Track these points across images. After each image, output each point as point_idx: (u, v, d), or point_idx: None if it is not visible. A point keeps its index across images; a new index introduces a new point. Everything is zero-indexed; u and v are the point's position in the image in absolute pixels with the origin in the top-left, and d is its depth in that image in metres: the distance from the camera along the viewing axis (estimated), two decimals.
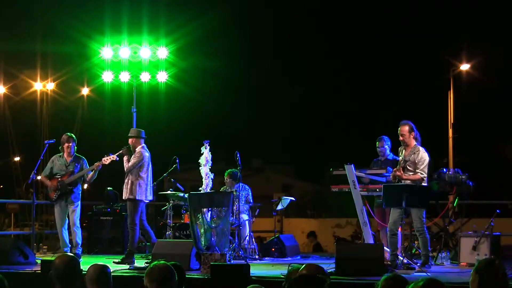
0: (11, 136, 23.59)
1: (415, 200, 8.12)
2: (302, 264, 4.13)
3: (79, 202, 9.76)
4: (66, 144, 9.80)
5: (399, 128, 8.56)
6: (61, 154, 9.88)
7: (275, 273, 7.48)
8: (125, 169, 9.51)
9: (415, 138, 8.53)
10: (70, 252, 9.54)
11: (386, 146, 9.52)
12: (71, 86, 21.03)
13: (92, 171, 9.75)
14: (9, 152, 23.98)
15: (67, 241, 9.69)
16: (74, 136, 9.96)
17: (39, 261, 8.39)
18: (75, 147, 9.87)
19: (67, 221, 9.71)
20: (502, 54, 19.53)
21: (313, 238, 14.87)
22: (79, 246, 9.68)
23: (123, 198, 9.70)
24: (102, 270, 4.28)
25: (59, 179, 9.69)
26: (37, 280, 7.69)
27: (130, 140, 9.66)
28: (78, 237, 9.66)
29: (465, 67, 18.31)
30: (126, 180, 9.55)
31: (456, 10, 21.03)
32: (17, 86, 21.72)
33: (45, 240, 12.77)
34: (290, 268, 4.31)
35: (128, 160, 9.49)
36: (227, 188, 10.59)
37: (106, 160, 9.68)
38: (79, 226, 9.74)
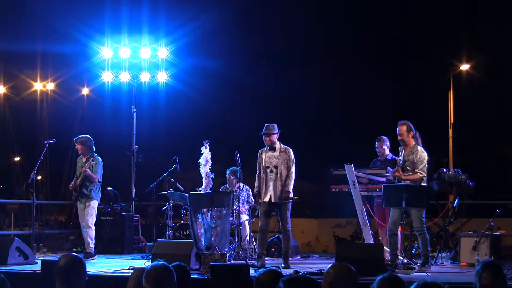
0: (11, 136, 23.60)
1: (415, 200, 8.12)
2: (276, 267, 4.12)
3: (93, 202, 10.03)
4: (76, 146, 10.24)
5: (397, 128, 8.58)
6: (81, 155, 10.30)
7: None
8: (286, 171, 8.84)
9: (414, 138, 8.53)
10: (84, 251, 9.80)
11: (385, 147, 9.52)
12: (71, 86, 21.04)
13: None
14: (9, 152, 23.98)
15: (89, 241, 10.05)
16: (82, 137, 10.25)
17: (39, 261, 8.38)
18: (88, 147, 10.15)
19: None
20: (502, 54, 19.52)
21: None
22: (90, 246, 9.93)
23: (273, 201, 8.82)
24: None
25: (76, 180, 10.11)
26: (37, 280, 7.68)
27: (273, 137, 8.87)
28: (89, 237, 9.95)
29: (465, 67, 18.31)
30: (276, 183, 8.82)
31: (456, 10, 21.03)
32: (17, 86, 21.73)
33: (45, 240, 12.76)
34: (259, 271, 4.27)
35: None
36: (229, 186, 10.59)
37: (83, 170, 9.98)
38: (89, 226, 9.97)
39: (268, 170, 8.86)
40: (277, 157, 8.84)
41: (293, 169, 8.86)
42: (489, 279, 3.90)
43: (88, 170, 9.92)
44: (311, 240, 14.95)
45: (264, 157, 8.92)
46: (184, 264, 4.36)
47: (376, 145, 9.58)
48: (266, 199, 8.86)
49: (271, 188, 8.82)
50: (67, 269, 4.23)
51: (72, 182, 10.22)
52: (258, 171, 9.01)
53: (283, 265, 8.66)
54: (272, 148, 8.88)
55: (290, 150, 8.92)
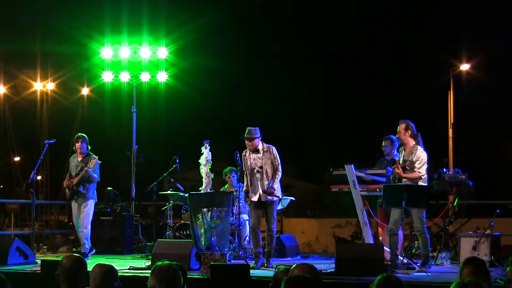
0: (11, 136, 23.58)
1: (415, 200, 8.12)
2: (291, 265, 4.11)
3: (90, 201, 10.00)
4: (76, 145, 10.10)
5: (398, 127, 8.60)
6: (75, 154, 10.19)
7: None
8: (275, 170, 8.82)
9: (414, 138, 8.52)
10: (79, 252, 9.77)
11: (392, 146, 9.49)
12: (71, 86, 21.03)
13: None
14: (9, 152, 23.97)
15: (84, 241, 9.98)
16: (83, 135, 10.18)
17: (39, 261, 8.39)
18: (87, 146, 10.09)
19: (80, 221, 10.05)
20: (502, 54, 19.52)
21: None
22: (86, 247, 9.91)
23: (262, 200, 8.77)
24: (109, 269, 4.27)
25: (71, 180, 10.00)
26: (37, 280, 7.68)
27: (254, 142, 8.78)
28: (85, 238, 9.92)
29: (465, 67, 18.31)
30: (263, 183, 8.76)
31: (456, 10, 21.03)
32: (17, 86, 21.71)
33: (45, 240, 12.77)
34: (277, 269, 4.30)
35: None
36: (229, 187, 10.58)
37: (91, 163, 9.86)
38: (86, 226, 9.95)
39: (255, 171, 8.88)
40: (261, 157, 8.85)
41: (280, 168, 8.86)
42: (469, 274, 3.87)
43: (90, 170, 9.88)
44: (311, 240, 14.96)
45: (248, 158, 8.93)
46: (179, 263, 4.35)
47: (383, 144, 9.56)
48: (255, 198, 8.86)
49: (259, 187, 8.84)
50: (72, 269, 4.24)
51: (66, 180, 10.13)
52: (245, 171, 9.02)
53: (265, 265, 8.67)
54: (255, 150, 8.87)
55: (274, 148, 8.90)
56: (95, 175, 9.96)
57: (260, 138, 8.89)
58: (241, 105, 23.58)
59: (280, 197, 9.07)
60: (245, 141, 8.89)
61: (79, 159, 10.07)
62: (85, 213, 9.91)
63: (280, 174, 8.87)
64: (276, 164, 8.83)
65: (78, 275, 4.25)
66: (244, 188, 9.07)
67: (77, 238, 10.48)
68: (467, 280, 3.43)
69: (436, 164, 10.23)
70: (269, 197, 8.78)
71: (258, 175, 8.85)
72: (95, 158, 9.89)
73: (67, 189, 10.10)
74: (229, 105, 23.55)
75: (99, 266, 4.25)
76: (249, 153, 8.93)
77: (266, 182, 8.76)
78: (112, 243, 11.38)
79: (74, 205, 10.06)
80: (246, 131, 8.87)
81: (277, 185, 8.83)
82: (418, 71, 22.19)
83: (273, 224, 8.82)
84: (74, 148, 10.22)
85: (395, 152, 9.51)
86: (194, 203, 8.60)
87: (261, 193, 8.82)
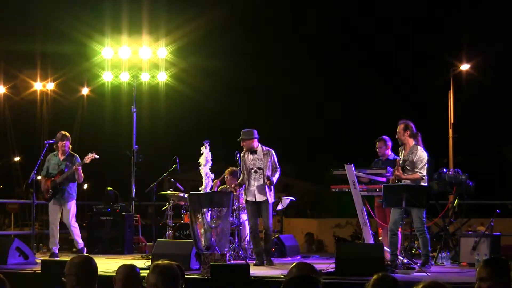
0: (11, 136, 23.61)
1: (415, 200, 8.11)
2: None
3: (74, 201, 9.89)
4: (60, 143, 9.93)
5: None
6: (55, 152, 10.02)
7: (275, 273, 7.48)
8: (271, 171, 8.99)
9: (414, 137, 8.51)
10: (79, 251, 9.79)
11: (385, 147, 9.49)
12: (71, 86, 21.06)
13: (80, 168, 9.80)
14: (9, 152, 24.00)
15: (57, 241, 9.87)
16: (68, 134, 10.07)
17: (39, 261, 8.38)
18: (69, 145, 9.99)
19: (60, 220, 9.93)
20: (502, 54, 19.53)
21: (310, 239, 14.60)
22: (79, 243, 9.89)
23: (257, 200, 8.97)
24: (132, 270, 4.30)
25: (52, 179, 9.86)
26: (37, 280, 7.68)
27: (247, 143, 9.01)
28: (77, 235, 9.88)
29: (465, 67, 18.33)
30: (259, 183, 8.97)
31: (456, 10, 21.05)
32: (17, 86, 21.73)
33: (45, 240, 12.76)
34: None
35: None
36: (227, 186, 10.59)
37: (87, 159, 9.72)
38: (75, 225, 9.90)
39: (252, 171, 9.05)
40: (260, 159, 9.04)
41: (279, 168, 9.10)
42: (482, 273, 3.80)
43: (80, 169, 9.76)
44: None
45: (247, 159, 9.10)
46: (177, 263, 4.36)
47: (376, 145, 9.56)
48: (251, 198, 9.01)
49: (254, 187, 8.99)
50: (84, 268, 4.25)
51: (45, 180, 9.92)
52: (242, 170, 9.18)
53: (265, 263, 8.75)
54: (253, 151, 9.05)
55: (273, 151, 9.11)
56: (82, 175, 9.85)
57: (255, 140, 9.08)
58: (241, 105, 23.59)
59: (272, 200, 9.16)
60: (241, 141, 9.11)
61: (61, 158, 9.93)
62: (71, 213, 9.78)
63: (279, 172, 9.08)
64: (275, 166, 9.05)
65: (90, 273, 4.27)
66: (240, 181, 9.20)
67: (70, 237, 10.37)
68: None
69: (436, 164, 10.23)
70: (268, 192, 8.87)
71: (255, 175, 9.02)
72: (91, 154, 9.77)
73: (47, 190, 9.86)
74: (229, 105, 23.56)
75: (124, 266, 4.31)
76: (248, 153, 9.10)
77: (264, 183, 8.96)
78: (112, 243, 11.38)
79: (54, 205, 9.86)
80: (241, 133, 9.10)
81: (271, 192, 9.02)
82: (418, 71, 22.20)
83: (269, 223, 8.95)
84: (54, 146, 9.99)
85: (390, 152, 9.51)
86: (194, 203, 8.60)
87: (256, 193, 8.96)
